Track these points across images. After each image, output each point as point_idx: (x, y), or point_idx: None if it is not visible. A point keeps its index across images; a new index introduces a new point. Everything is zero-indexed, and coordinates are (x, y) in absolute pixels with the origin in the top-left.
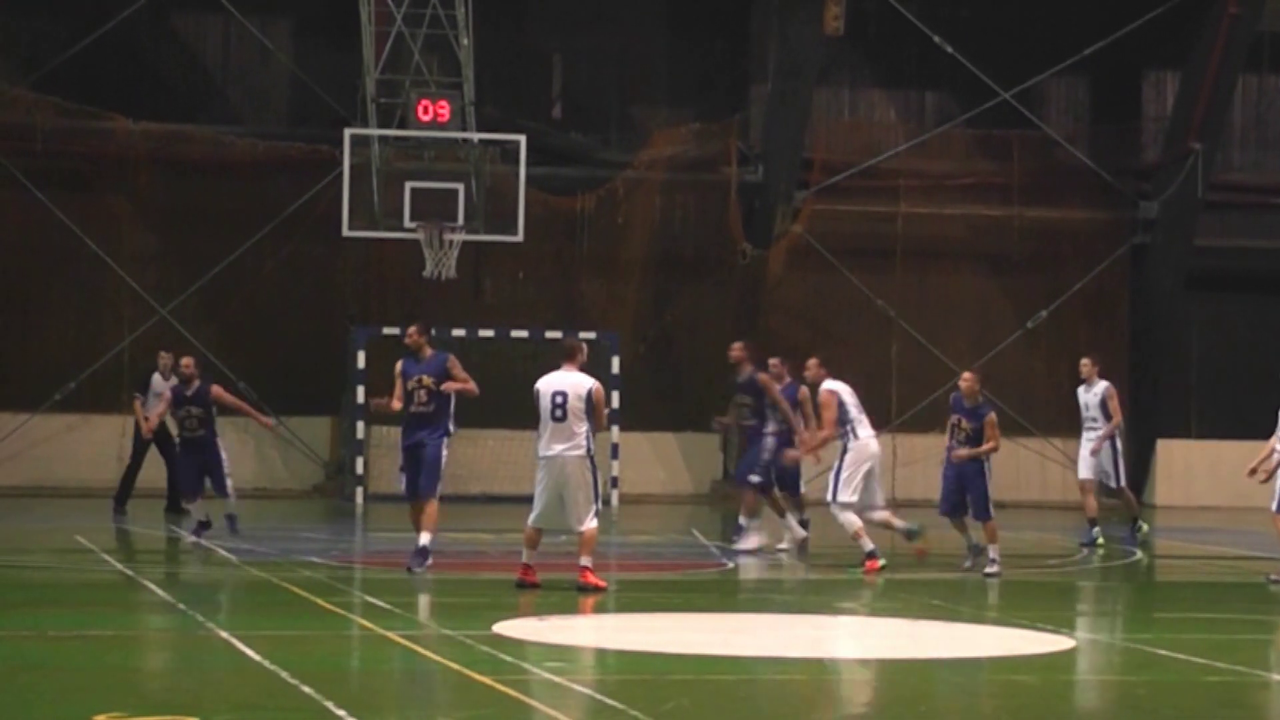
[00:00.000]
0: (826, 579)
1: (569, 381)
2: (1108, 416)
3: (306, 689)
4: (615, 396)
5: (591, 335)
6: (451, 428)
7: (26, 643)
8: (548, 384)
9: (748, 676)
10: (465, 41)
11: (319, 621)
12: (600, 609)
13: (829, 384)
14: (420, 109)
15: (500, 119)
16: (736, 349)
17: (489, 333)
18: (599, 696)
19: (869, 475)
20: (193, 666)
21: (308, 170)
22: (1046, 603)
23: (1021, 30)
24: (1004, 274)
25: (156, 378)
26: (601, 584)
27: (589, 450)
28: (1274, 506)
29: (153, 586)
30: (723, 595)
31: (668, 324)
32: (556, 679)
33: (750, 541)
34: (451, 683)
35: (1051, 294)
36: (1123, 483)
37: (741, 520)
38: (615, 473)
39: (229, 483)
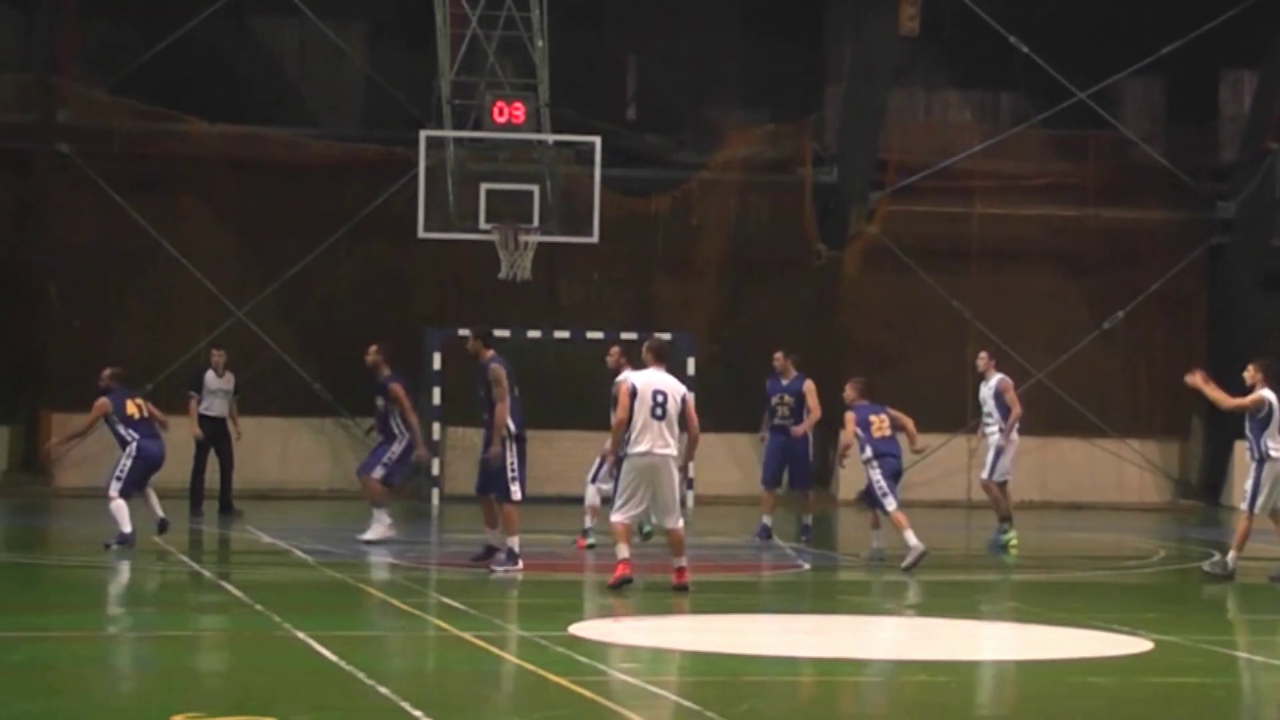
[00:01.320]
0: (902, 581)
1: (666, 382)
2: (1004, 412)
3: (383, 690)
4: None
5: (666, 336)
6: (510, 430)
7: (106, 643)
8: (647, 382)
9: (822, 678)
10: (540, 43)
11: (395, 622)
12: (675, 610)
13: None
14: (495, 111)
15: (575, 120)
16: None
17: (564, 334)
18: (674, 698)
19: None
20: (269, 667)
21: (383, 172)
22: (1123, 604)
23: (1097, 30)
24: (1080, 275)
25: (210, 375)
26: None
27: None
28: None
29: (228, 587)
30: (797, 597)
31: (742, 325)
32: (632, 680)
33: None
34: (527, 684)
35: (1128, 295)
36: (996, 478)
37: None
38: (691, 474)
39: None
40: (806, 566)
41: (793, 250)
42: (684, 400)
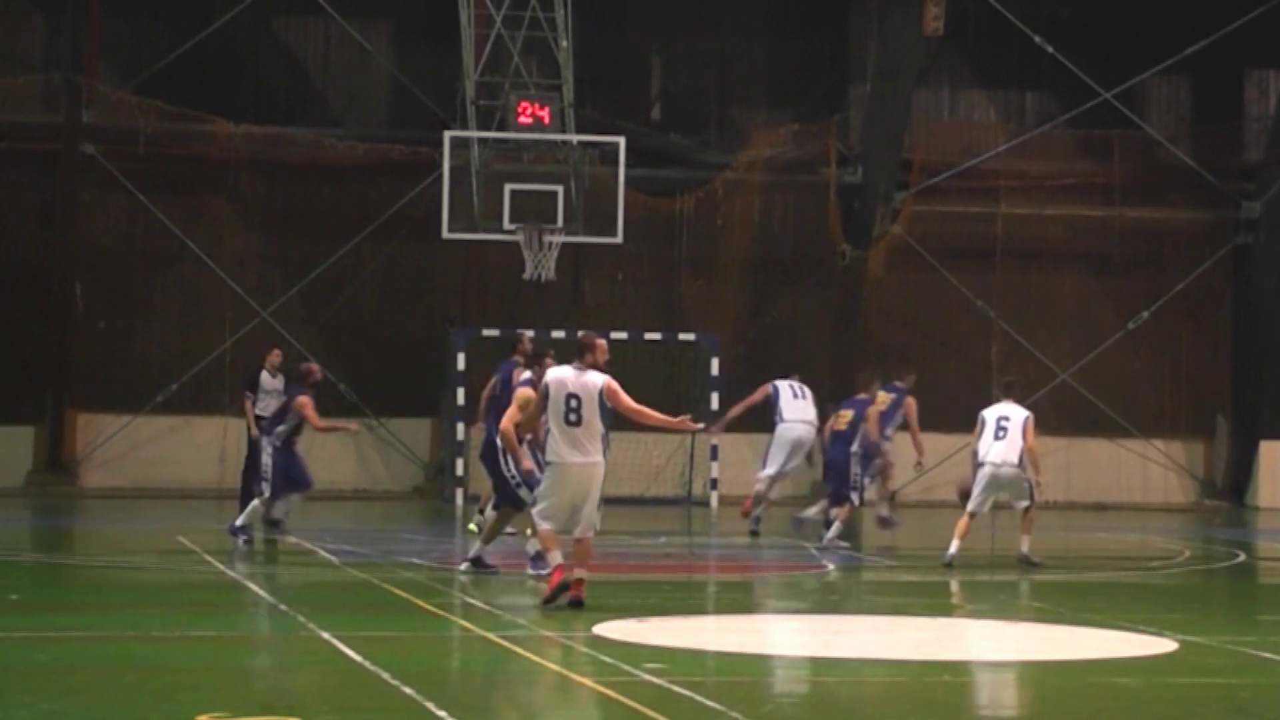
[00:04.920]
0: (926, 581)
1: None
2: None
3: (407, 690)
4: (715, 398)
5: (691, 336)
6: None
7: (130, 643)
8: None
9: (847, 679)
10: (565, 43)
11: (420, 623)
12: (700, 611)
13: None
14: (520, 111)
15: (600, 121)
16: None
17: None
18: (699, 698)
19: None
20: (294, 667)
21: (407, 172)
22: (1148, 604)
23: (1123, 30)
24: (1105, 275)
25: (265, 376)
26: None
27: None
28: None
29: (254, 587)
30: (822, 597)
31: (767, 325)
32: (657, 680)
33: None
34: (552, 684)
35: (1153, 295)
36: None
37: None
38: (715, 474)
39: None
40: (830, 567)
41: (817, 250)
42: (602, 393)
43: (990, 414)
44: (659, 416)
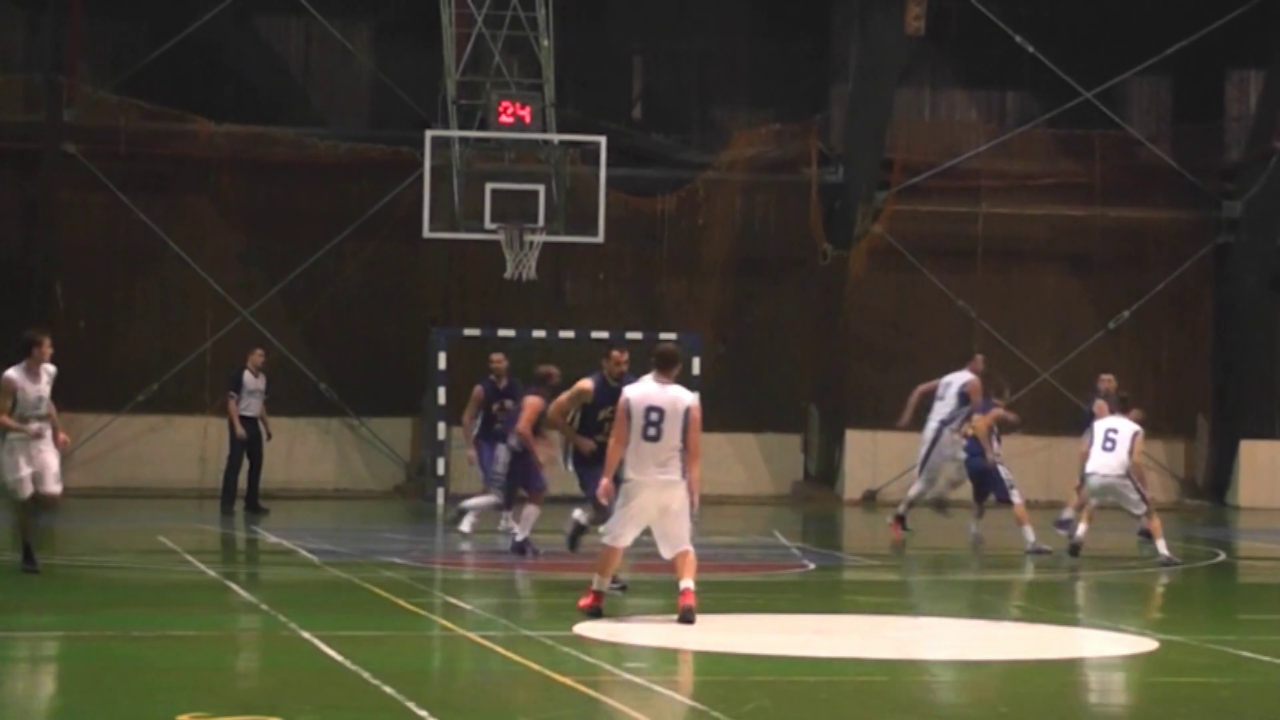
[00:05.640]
0: (908, 580)
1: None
2: None
3: (388, 689)
4: (696, 398)
5: (672, 336)
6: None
7: (111, 643)
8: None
9: (829, 678)
10: (546, 43)
11: (400, 622)
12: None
13: None
14: (501, 110)
15: (581, 120)
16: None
17: (569, 334)
18: (680, 698)
19: None
20: (275, 667)
21: (389, 172)
22: (1129, 604)
23: (1103, 29)
24: (1086, 274)
25: (248, 375)
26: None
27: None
28: None
29: (235, 587)
30: (804, 596)
31: (748, 325)
32: (638, 680)
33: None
34: (533, 684)
35: (1134, 294)
36: None
37: None
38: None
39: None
40: (811, 566)
41: (799, 250)
42: (688, 412)
43: (1100, 426)
44: (696, 475)
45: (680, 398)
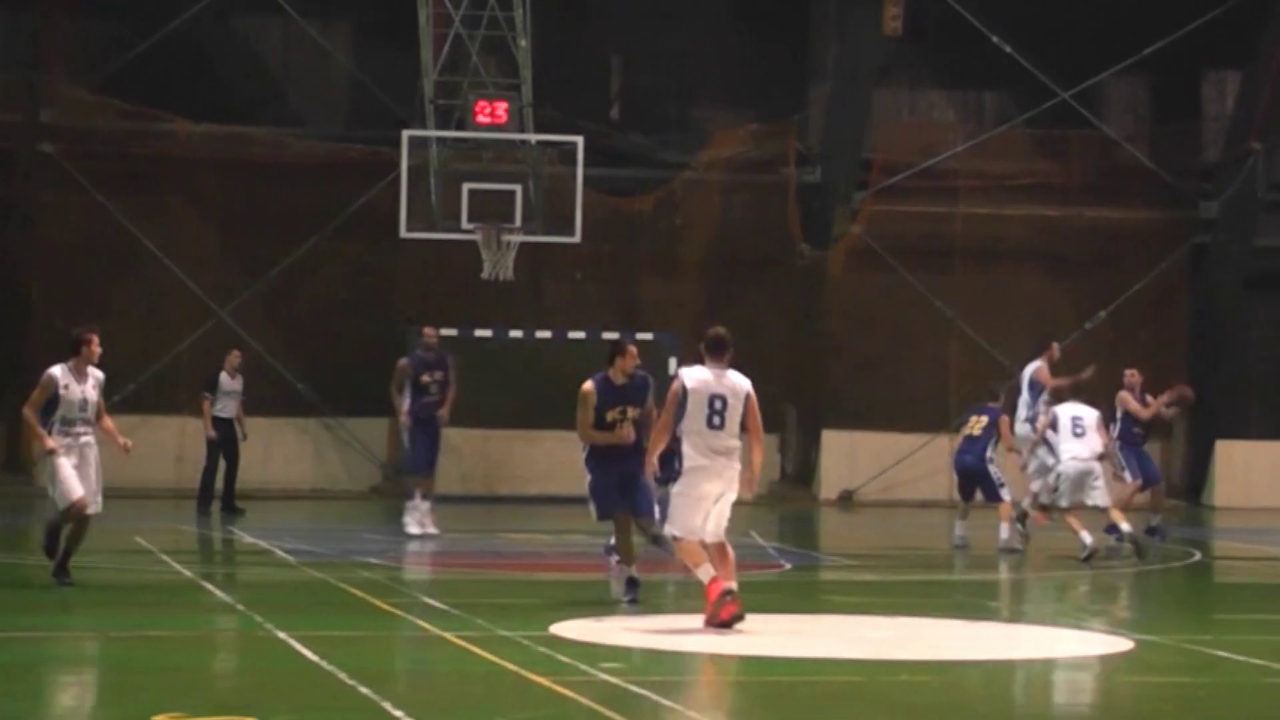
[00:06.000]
0: (885, 580)
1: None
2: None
3: (364, 690)
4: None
5: (650, 336)
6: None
7: (87, 643)
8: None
9: (805, 678)
10: (523, 43)
11: (376, 622)
12: (658, 610)
13: None
14: (479, 110)
15: (559, 120)
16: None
17: (547, 334)
18: (656, 697)
19: None
20: (251, 667)
21: (366, 172)
22: (1103, 604)
23: (1081, 30)
24: (1063, 274)
25: (224, 376)
26: None
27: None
28: None
29: (211, 587)
30: (780, 596)
31: (726, 325)
32: (614, 680)
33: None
34: (509, 684)
35: (1111, 294)
36: None
37: None
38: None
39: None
40: (788, 566)
41: (777, 250)
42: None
43: (1064, 414)
44: (760, 460)
45: (740, 384)
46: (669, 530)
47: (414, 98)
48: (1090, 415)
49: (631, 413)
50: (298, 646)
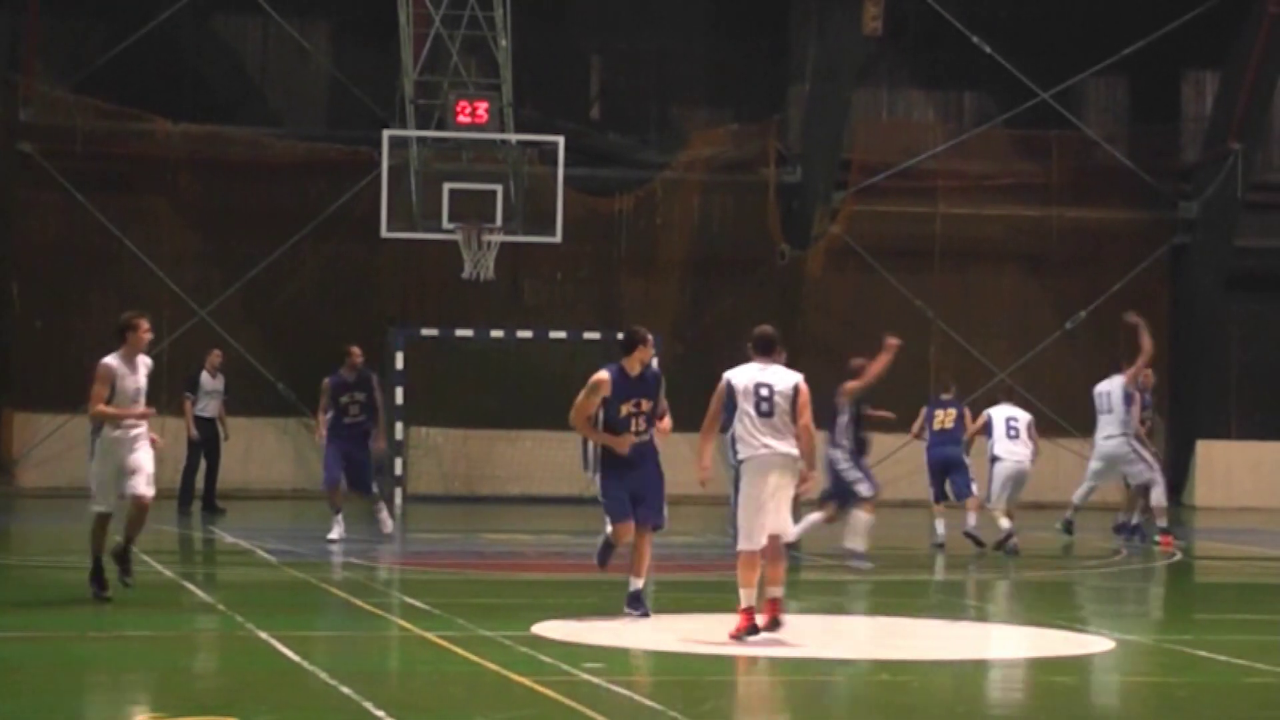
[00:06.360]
0: (867, 580)
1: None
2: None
3: (345, 690)
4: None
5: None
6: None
7: (67, 643)
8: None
9: (786, 677)
10: (504, 43)
11: (357, 622)
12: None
13: None
14: (459, 110)
15: (539, 120)
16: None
17: (527, 334)
18: (637, 697)
19: None
20: (232, 667)
21: (346, 171)
22: (1086, 603)
23: (1060, 30)
24: (1043, 275)
25: (205, 376)
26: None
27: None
28: None
29: (192, 587)
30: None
31: (706, 325)
32: (595, 680)
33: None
34: (490, 684)
35: (1091, 295)
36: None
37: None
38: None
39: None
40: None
41: (756, 250)
42: (796, 390)
43: (998, 415)
44: (814, 456)
45: (787, 375)
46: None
47: (394, 97)
48: (1024, 417)
49: (645, 406)
50: (279, 646)
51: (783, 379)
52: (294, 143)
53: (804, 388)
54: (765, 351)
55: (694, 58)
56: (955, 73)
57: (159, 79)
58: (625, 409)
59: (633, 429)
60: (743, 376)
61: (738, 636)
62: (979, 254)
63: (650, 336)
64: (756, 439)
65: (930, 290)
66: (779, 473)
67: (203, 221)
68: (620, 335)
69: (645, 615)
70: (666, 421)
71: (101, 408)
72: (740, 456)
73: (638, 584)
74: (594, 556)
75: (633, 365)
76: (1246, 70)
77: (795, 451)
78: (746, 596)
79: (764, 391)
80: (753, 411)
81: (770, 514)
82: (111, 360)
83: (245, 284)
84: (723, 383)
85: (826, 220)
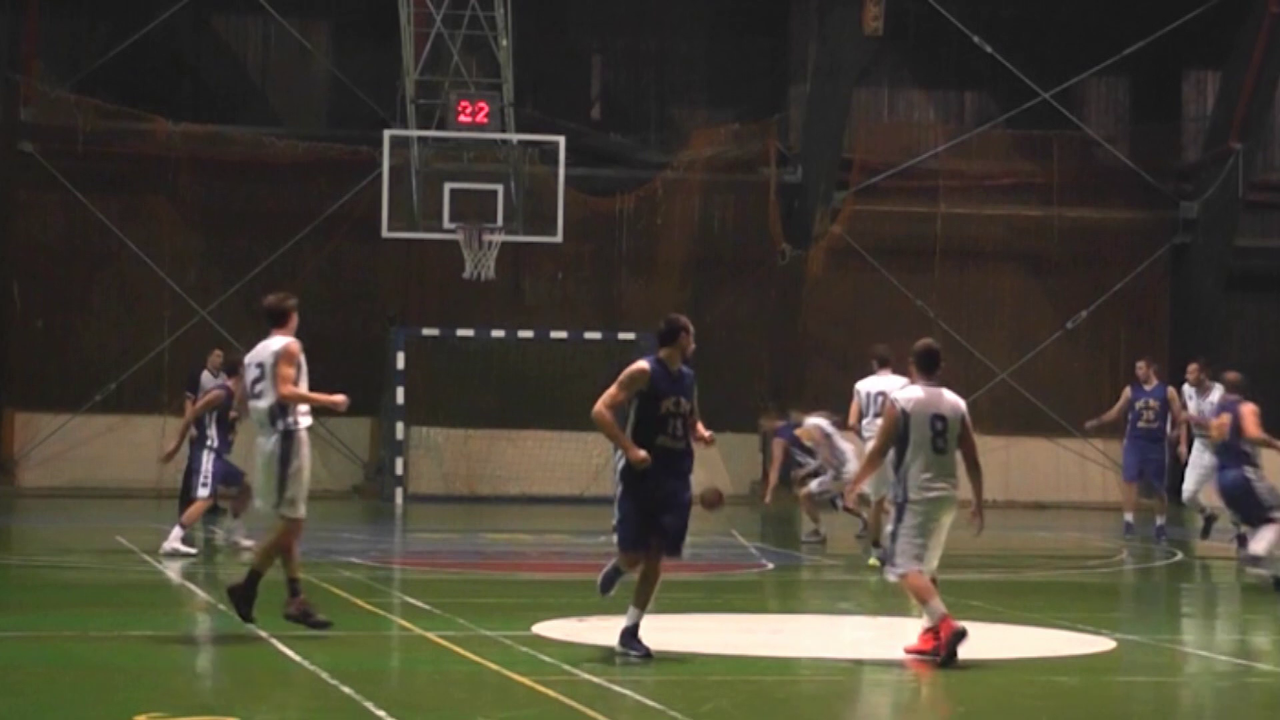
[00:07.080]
0: (865, 580)
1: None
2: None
3: (346, 689)
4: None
5: (631, 335)
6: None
7: (68, 643)
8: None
9: (786, 677)
10: (504, 42)
11: (359, 622)
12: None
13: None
14: (460, 110)
15: (540, 120)
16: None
17: (528, 333)
18: (638, 697)
19: None
20: (233, 667)
21: (347, 171)
22: (1087, 603)
23: (1061, 30)
24: (1044, 274)
25: (206, 376)
26: None
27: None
28: None
29: (193, 587)
30: (762, 596)
31: (707, 324)
32: (596, 680)
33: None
34: (491, 683)
35: (1091, 294)
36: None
37: None
38: None
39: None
40: (770, 566)
41: (757, 250)
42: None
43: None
44: (981, 489)
45: (957, 403)
46: (889, 574)
47: (395, 97)
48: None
49: (684, 406)
50: (280, 646)
51: (954, 408)
52: (294, 142)
53: (968, 416)
54: (930, 370)
55: (694, 58)
56: (956, 72)
57: (159, 79)
58: (665, 406)
59: (670, 431)
60: (918, 405)
61: (950, 640)
62: (980, 254)
63: (691, 326)
64: (936, 477)
65: (930, 290)
66: (953, 510)
67: (203, 221)
68: (662, 324)
69: (647, 656)
70: (708, 431)
71: (308, 394)
72: (913, 495)
73: (636, 616)
74: (597, 582)
75: (674, 358)
76: (1247, 70)
77: (958, 489)
78: (936, 608)
79: (939, 425)
80: (929, 450)
81: (937, 551)
82: (294, 343)
83: (246, 284)
84: (894, 408)
85: (827, 220)
